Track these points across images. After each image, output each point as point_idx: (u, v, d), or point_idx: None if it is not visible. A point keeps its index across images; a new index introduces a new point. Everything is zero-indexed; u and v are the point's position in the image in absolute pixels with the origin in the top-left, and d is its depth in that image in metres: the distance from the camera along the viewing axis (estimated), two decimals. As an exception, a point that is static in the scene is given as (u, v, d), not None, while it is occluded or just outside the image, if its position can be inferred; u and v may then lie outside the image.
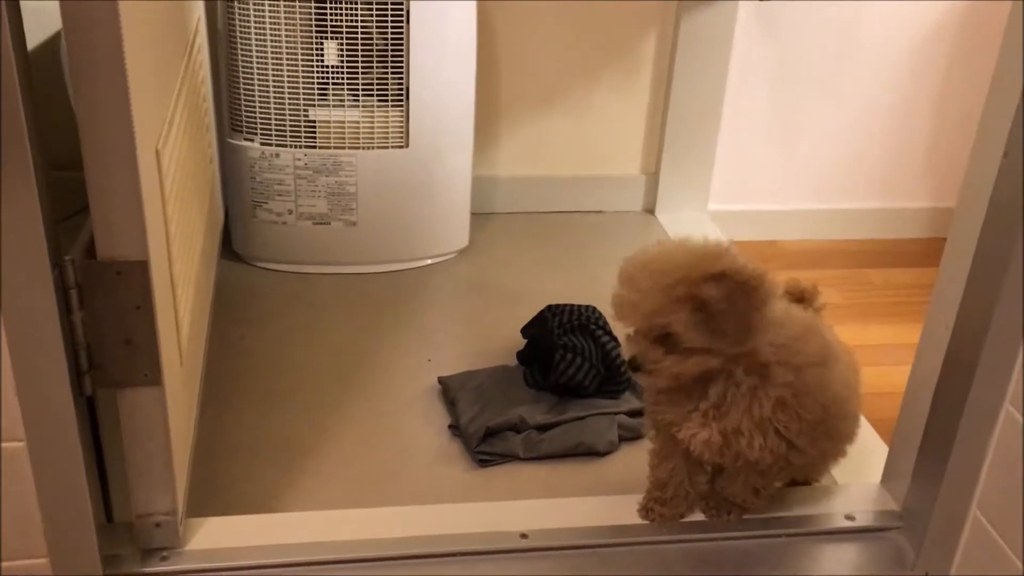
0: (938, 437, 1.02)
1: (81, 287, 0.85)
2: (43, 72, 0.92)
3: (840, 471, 1.24)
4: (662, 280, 0.89)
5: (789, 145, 2.03)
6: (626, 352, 0.95)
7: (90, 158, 0.81)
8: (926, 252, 2.00)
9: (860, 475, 1.26)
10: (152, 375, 0.90)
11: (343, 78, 1.62)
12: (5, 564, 0.91)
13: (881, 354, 1.65)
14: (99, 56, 0.78)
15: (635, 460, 1.10)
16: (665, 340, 0.92)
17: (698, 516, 1.09)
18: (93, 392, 0.91)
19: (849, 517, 1.10)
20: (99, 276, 0.85)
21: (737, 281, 0.88)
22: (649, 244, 0.95)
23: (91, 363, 0.89)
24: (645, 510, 1.08)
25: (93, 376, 0.89)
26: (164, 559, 0.99)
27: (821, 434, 0.99)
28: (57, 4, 0.77)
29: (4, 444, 0.86)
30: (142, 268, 0.85)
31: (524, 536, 1.05)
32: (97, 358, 0.89)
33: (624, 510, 1.09)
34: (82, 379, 0.88)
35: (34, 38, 1.05)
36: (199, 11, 1.56)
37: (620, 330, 0.99)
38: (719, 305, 0.88)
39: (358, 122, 1.66)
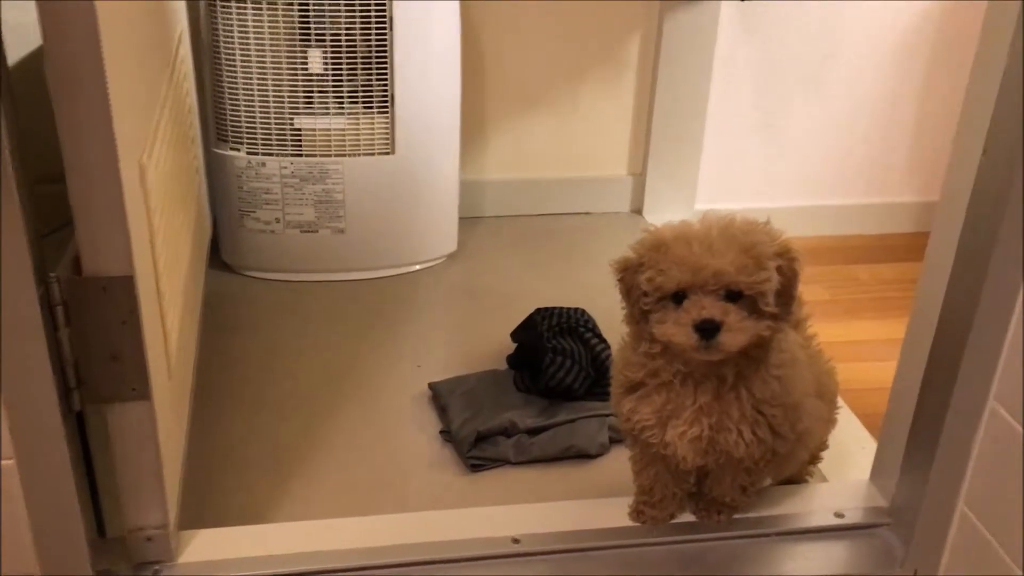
0: (925, 433, 1.03)
1: (67, 304, 0.85)
2: (27, 85, 0.91)
3: (829, 467, 1.25)
4: (744, 241, 0.89)
5: (774, 143, 2.04)
6: (700, 312, 0.89)
7: (73, 174, 0.81)
8: (913, 247, 2.01)
9: (849, 471, 1.27)
10: (140, 390, 0.90)
11: (328, 86, 1.63)
12: (-3, 582, 0.91)
13: (869, 350, 1.66)
14: (80, 70, 0.77)
15: (626, 462, 1.10)
16: (732, 303, 0.90)
17: (688, 517, 1.09)
18: (82, 408, 0.91)
19: (838, 515, 1.11)
20: (84, 293, 0.85)
21: (795, 255, 0.92)
22: (688, 218, 0.94)
23: (79, 379, 0.89)
24: (635, 512, 1.08)
25: (81, 392, 0.89)
26: (157, 572, 0.99)
27: (798, 416, 1.00)
28: (38, 18, 0.77)
29: (-7, 462, 0.86)
30: (127, 283, 0.85)
31: (516, 541, 1.06)
32: (84, 374, 0.89)
33: (615, 513, 1.09)
34: (70, 395, 0.88)
35: (18, 51, 1.05)
36: (182, 23, 1.56)
37: (610, 332, 0.99)
38: (791, 273, 0.91)
39: (344, 129, 1.66)
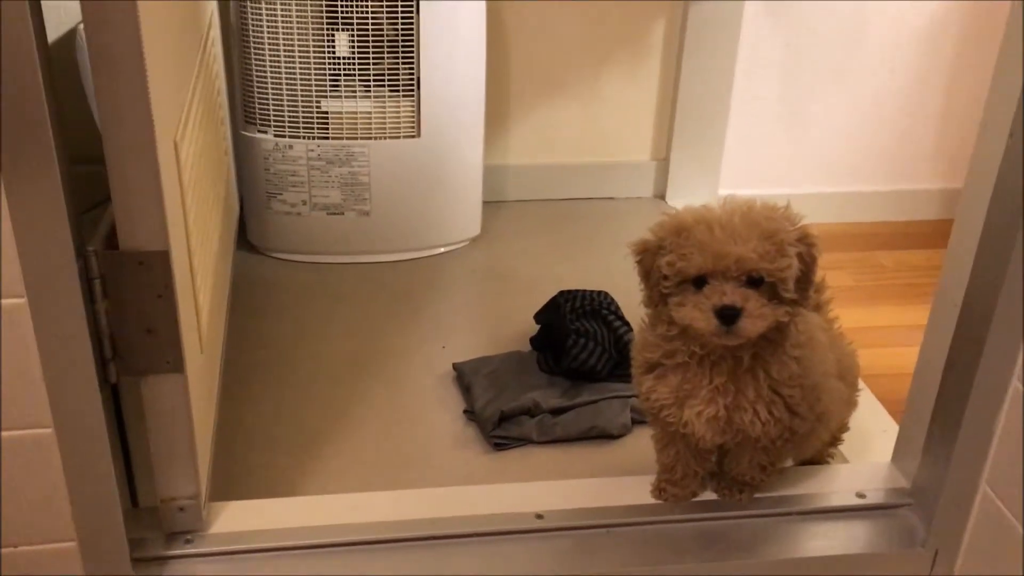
0: (947, 414, 1.03)
1: (104, 277, 0.87)
2: (57, 68, 0.93)
3: (851, 451, 1.26)
4: (766, 227, 0.90)
5: (799, 129, 2.04)
6: (721, 298, 0.89)
7: (111, 150, 0.82)
8: (937, 233, 2.00)
9: (871, 455, 1.27)
10: (174, 362, 0.92)
11: (355, 69, 1.64)
12: (36, 547, 0.93)
13: (893, 335, 1.66)
14: (118, 51, 0.79)
15: (648, 442, 1.11)
16: (752, 289, 0.90)
17: (710, 495, 1.10)
18: (117, 380, 0.93)
19: (860, 495, 1.12)
20: (122, 266, 0.87)
21: (813, 241, 0.93)
22: (708, 202, 0.95)
23: (115, 351, 0.91)
24: (657, 490, 1.10)
25: (117, 364, 0.92)
26: (188, 542, 1.01)
27: (817, 396, 1.01)
28: (72, 2, 0.79)
29: (33, 431, 0.88)
30: (163, 258, 0.87)
31: (540, 517, 1.07)
32: (120, 346, 0.91)
33: (637, 490, 1.10)
34: (106, 367, 0.91)
35: (50, 35, 1.07)
36: (212, 6, 1.57)
37: (633, 315, 1.00)
38: (810, 259, 0.92)
39: (370, 112, 1.67)
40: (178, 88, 1.04)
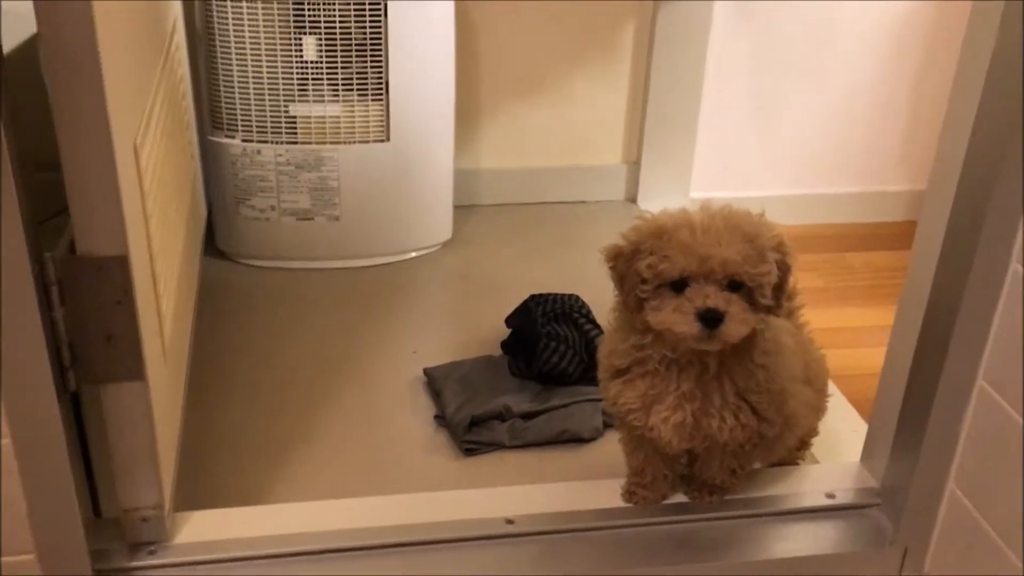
0: (914, 414, 1.03)
1: (62, 283, 0.85)
2: (24, 74, 0.92)
3: (821, 451, 1.26)
4: (748, 231, 0.89)
5: (769, 131, 2.05)
6: (704, 301, 0.88)
7: (67, 154, 0.81)
8: (905, 235, 1.99)
9: (841, 455, 1.28)
10: (135, 370, 0.91)
11: (323, 73, 1.63)
12: (-7, 560, 0.92)
13: (861, 336, 1.67)
14: (75, 52, 0.78)
15: (619, 445, 1.11)
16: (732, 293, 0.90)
17: (681, 498, 1.10)
18: (77, 388, 0.91)
19: (829, 495, 1.12)
20: (79, 272, 0.85)
21: (788, 249, 0.93)
22: (687, 207, 0.94)
23: (74, 359, 0.89)
24: (628, 494, 1.09)
25: (76, 372, 0.90)
26: (152, 553, 1.00)
27: (784, 400, 1.00)
28: (33, 5, 0.78)
29: (-11, 441, 0.86)
30: (122, 263, 0.86)
31: (510, 522, 1.06)
32: (79, 354, 0.89)
33: (608, 494, 1.10)
34: (65, 375, 0.89)
35: (13, 40, 1.05)
36: (176, 10, 1.56)
37: (604, 318, 1.00)
38: (785, 267, 0.92)
39: (339, 117, 1.66)
40: (138, 91, 1.03)
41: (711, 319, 0.88)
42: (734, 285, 0.90)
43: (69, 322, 0.87)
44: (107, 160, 0.82)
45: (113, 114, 0.82)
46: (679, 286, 0.90)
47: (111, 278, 0.86)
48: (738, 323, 0.89)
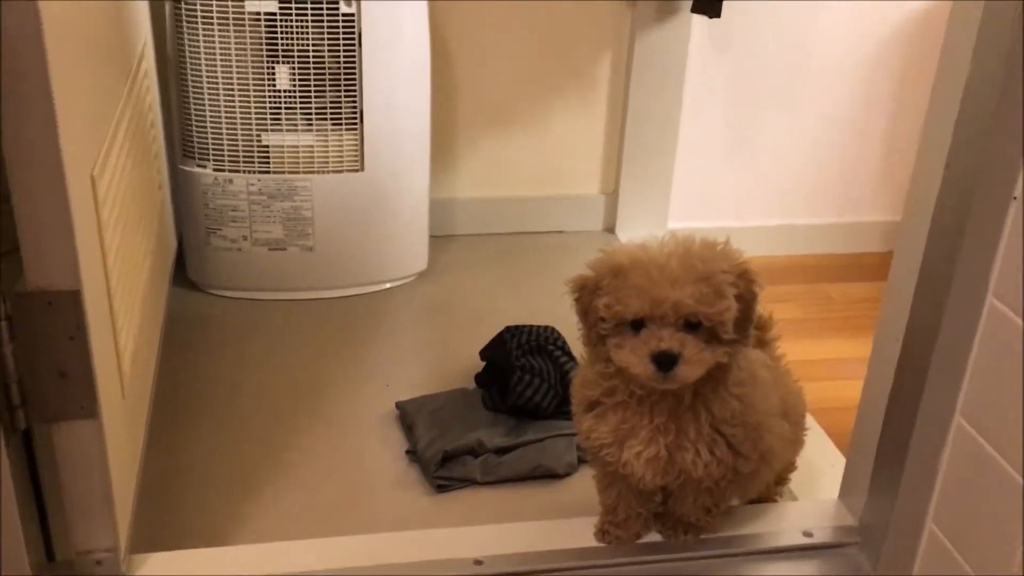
0: (892, 450, 1.02)
1: (11, 319, 0.83)
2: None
3: (799, 485, 1.24)
4: (704, 269, 0.88)
5: (746, 162, 2.04)
6: (658, 344, 0.88)
7: (18, 185, 0.79)
8: (883, 266, 1.98)
9: (820, 490, 1.26)
10: (88, 407, 0.88)
11: (296, 102, 1.61)
12: (-66, 608, 0.88)
13: (840, 368, 1.65)
14: (24, 79, 0.76)
15: (593, 482, 1.08)
16: (690, 332, 0.89)
17: (656, 537, 1.07)
18: (29, 426, 0.88)
19: (807, 534, 1.10)
20: (30, 307, 0.83)
21: (753, 277, 0.91)
22: (646, 238, 0.92)
23: (24, 396, 0.86)
24: (600, 532, 1.07)
25: (27, 410, 0.87)
26: (106, 597, 0.96)
27: (760, 435, 0.98)
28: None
29: (-68, 483, 0.83)
30: (74, 297, 0.83)
31: (479, 562, 1.03)
32: (30, 391, 0.86)
33: (580, 533, 1.07)
34: (15, 413, 0.86)
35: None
36: (144, 36, 1.54)
37: (580, 350, 0.98)
38: (750, 296, 0.90)
39: (312, 146, 1.64)
40: (97, 120, 1.00)
41: (665, 361, 0.88)
42: (692, 324, 0.89)
43: (19, 358, 0.84)
44: (59, 191, 0.80)
45: (66, 144, 0.79)
46: (637, 325, 0.90)
47: (63, 313, 0.83)
48: (693, 364, 0.89)
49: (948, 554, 0.95)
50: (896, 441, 1.00)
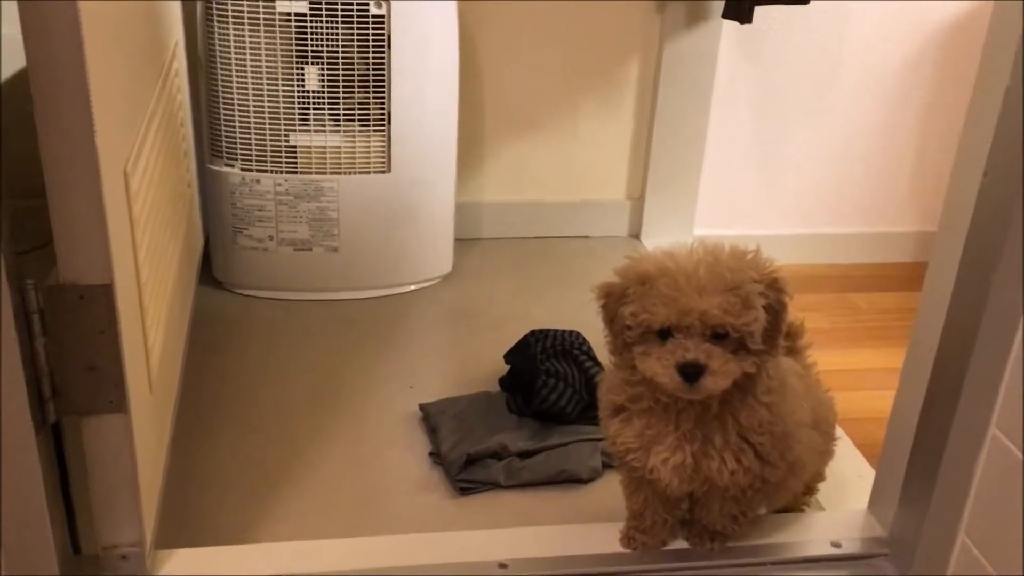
0: (924, 461, 1.00)
1: (44, 312, 0.83)
2: (21, 100, 0.90)
3: (827, 496, 1.22)
4: (732, 279, 0.87)
5: (774, 170, 2.03)
6: (684, 354, 0.87)
7: (52, 178, 0.79)
8: (912, 276, 1.99)
9: (848, 501, 1.24)
10: (117, 402, 0.88)
11: (324, 103, 1.61)
12: (-38, 598, 0.88)
13: (868, 379, 1.64)
14: (62, 74, 0.76)
15: (618, 487, 1.07)
16: (717, 342, 0.88)
17: (681, 544, 1.06)
18: (58, 419, 0.88)
19: (835, 544, 1.08)
20: (61, 300, 0.83)
21: (783, 287, 0.90)
22: (675, 246, 0.92)
23: (54, 390, 0.86)
24: (626, 538, 1.06)
25: (57, 403, 0.87)
26: (131, 592, 0.96)
27: (789, 445, 0.97)
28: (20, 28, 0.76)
29: (-38, 474, 0.83)
30: (106, 292, 0.83)
31: (503, 566, 1.03)
32: (60, 385, 0.86)
33: (605, 538, 1.06)
34: (45, 406, 0.86)
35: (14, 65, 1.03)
36: (176, 36, 1.55)
37: (605, 356, 0.97)
38: (779, 306, 0.89)
39: (339, 147, 1.65)
40: (131, 116, 1.01)
41: (691, 372, 0.87)
42: (719, 334, 0.88)
43: (50, 351, 0.85)
44: (93, 185, 0.80)
45: (101, 138, 0.80)
46: (664, 334, 0.89)
47: (94, 307, 0.84)
48: (718, 376, 0.88)
49: (979, 565, 0.93)
50: (929, 452, 0.99)
